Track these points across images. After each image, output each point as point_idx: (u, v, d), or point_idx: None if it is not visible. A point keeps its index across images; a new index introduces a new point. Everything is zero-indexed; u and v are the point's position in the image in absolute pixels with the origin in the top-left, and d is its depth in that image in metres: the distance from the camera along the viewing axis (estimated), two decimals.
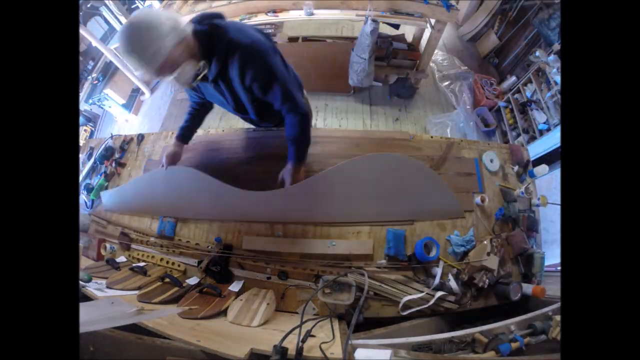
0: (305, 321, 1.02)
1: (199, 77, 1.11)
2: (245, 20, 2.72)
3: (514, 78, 3.19)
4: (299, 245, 1.39)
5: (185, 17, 1.02)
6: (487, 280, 1.31)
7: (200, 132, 1.63)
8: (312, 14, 2.62)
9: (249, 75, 1.11)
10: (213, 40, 1.06)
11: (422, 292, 1.29)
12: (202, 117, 1.51)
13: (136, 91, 3.88)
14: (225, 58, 1.09)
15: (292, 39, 3.08)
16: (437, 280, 1.28)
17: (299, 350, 0.87)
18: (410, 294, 1.28)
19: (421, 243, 1.31)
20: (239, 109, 1.35)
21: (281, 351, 0.84)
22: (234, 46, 1.07)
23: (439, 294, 1.27)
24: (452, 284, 1.28)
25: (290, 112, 1.24)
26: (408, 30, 3.36)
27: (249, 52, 1.08)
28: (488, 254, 1.35)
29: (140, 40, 0.92)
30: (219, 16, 1.12)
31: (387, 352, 0.85)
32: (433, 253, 1.31)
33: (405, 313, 1.27)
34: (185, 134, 1.48)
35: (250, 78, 1.12)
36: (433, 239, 1.34)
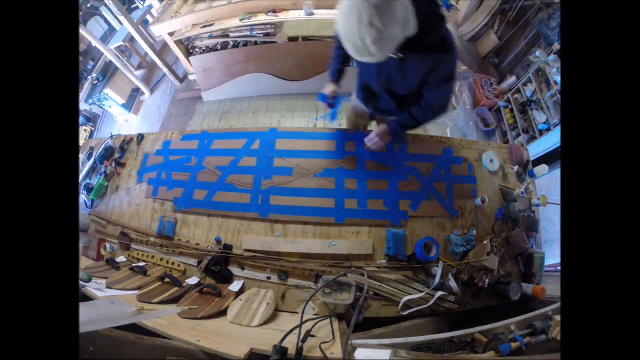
0: (305, 321, 1.02)
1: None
2: (245, 21, 2.72)
3: (514, 78, 3.19)
4: (299, 245, 1.39)
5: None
6: (487, 280, 1.31)
7: None
8: (312, 14, 2.62)
9: (439, 70, 1.11)
10: (429, 23, 1.00)
11: (422, 292, 1.29)
12: (346, 64, 1.45)
13: (136, 91, 3.88)
14: (429, 47, 1.05)
15: (292, 39, 3.08)
16: (437, 280, 1.28)
17: (299, 350, 0.87)
18: (410, 294, 1.28)
19: (421, 243, 1.32)
20: (390, 85, 1.30)
21: (281, 351, 0.84)
22: (442, 41, 1.05)
23: (439, 294, 1.27)
24: (452, 284, 1.28)
25: (434, 107, 1.26)
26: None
27: (451, 54, 1.09)
28: (488, 254, 1.35)
29: (389, 35, 0.88)
30: (438, 4, 1.06)
31: (387, 352, 0.85)
32: (433, 253, 1.32)
33: (405, 313, 1.27)
34: (337, 76, 1.46)
35: (437, 73, 1.12)
36: (433, 239, 1.34)
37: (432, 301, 1.26)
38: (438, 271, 1.30)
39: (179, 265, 1.49)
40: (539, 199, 1.49)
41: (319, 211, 1.44)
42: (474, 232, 1.41)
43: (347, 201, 1.45)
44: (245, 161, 1.59)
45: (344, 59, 1.41)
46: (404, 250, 1.34)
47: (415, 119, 1.31)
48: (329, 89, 1.44)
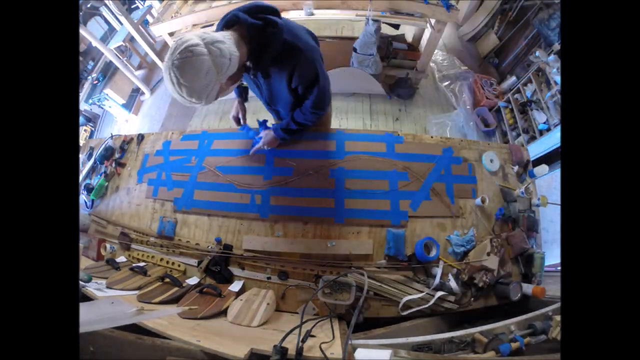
0: (305, 321, 1.02)
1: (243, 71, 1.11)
2: None
3: (514, 78, 3.19)
4: (298, 245, 1.39)
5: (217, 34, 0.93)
6: (487, 280, 1.31)
7: None
8: (312, 14, 2.62)
9: (297, 78, 1.14)
10: (267, 38, 1.02)
11: (422, 292, 1.29)
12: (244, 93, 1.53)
13: (136, 91, 3.88)
14: (275, 58, 1.07)
15: None
16: (437, 280, 1.28)
17: (299, 350, 0.87)
18: (410, 294, 1.28)
19: (421, 243, 1.32)
20: (272, 103, 1.39)
21: (281, 351, 0.84)
22: (288, 49, 1.06)
23: (439, 294, 1.27)
24: (452, 284, 1.28)
25: (314, 110, 1.29)
26: (408, 31, 3.35)
27: (302, 57, 1.09)
28: (488, 254, 1.35)
29: (192, 85, 0.90)
30: (275, 11, 1.07)
31: (387, 352, 0.85)
32: (433, 253, 1.32)
33: (405, 313, 1.27)
34: (241, 92, 1.51)
35: (297, 81, 1.16)
36: (433, 239, 1.34)
37: (432, 301, 1.26)
38: (438, 271, 1.30)
39: (179, 265, 1.49)
40: (539, 199, 1.49)
41: (319, 211, 1.44)
42: (474, 232, 1.41)
43: (347, 201, 1.45)
44: (245, 161, 1.59)
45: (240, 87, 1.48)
46: (404, 250, 1.34)
47: (298, 122, 1.36)
48: (233, 111, 1.52)
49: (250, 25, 0.99)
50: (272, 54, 1.05)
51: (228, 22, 1.03)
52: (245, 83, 1.45)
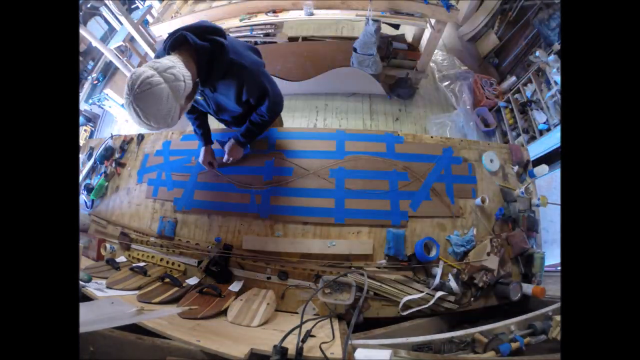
0: (305, 321, 1.02)
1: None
2: (245, 21, 2.72)
3: (514, 78, 3.19)
4: (298, 245, 1.39)
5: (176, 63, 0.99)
6: (487, 280, 1.31)
7: None
8: (312, 14, 2.62)
9: (246, 93, 1.23)
10: (214, 58, 1.09)
11: (422, 292, 1.29)
12: (206, 118, 1.56)
13: None
14: (223, 76, 1.16)
15: (292, 39, 3.08)
16: (437, 280, 1.28)
17: (299, 350, 0.87)
18: (410, 294, 1.28)
19: (421, 243, 1.32)
20: (219, 113, 1.47)
21: (281, 351, 0.84)
22: (233, 67, 1.13)
23: (439, 294, 1.27)
24: (452, 284, 1.28)
25: (266, 114, 1.36)
26: (408, 31, 3.35)
27: (247, 73, 1.18)
28: (488, 254, 1.35)
29: (157, 113, 0.95)
30: (220, 32, 1.13)
31: (387, 352, 0.85)
32: (433, 253, 1.32)
33: (405, 313, 1.27)
34: (206, 139, 1.56)
35: (247, 95, 1.24)
36: (433, 239, 1.34)
37: (432, 301, 1.26)
38: (438, 271, 1.30)
39: (179, 265, 1.49)
40: (539, 199, 1.49)
41: (319, 211, 1.44)
42: (474, 232, 1.41)
43: (347, 201, 1.45)
44: (246, 161, 1.59)
45: (198, 120, 1.51)
46: (404, 250, 1.34)
47: (256, 125, 1.42)
48: (202, 157, 1.55)
49: (200, 47, 1.05)
50: (219, 73, 1.13)
51: (176, 42, 1.06)
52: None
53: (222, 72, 1.13)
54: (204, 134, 1.54)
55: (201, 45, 1.05)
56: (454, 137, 2.42)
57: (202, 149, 1.55)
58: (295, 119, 3.23)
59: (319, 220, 1.43)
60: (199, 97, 1.33)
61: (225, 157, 1.53)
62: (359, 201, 1.45)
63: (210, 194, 1.56)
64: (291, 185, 1.50)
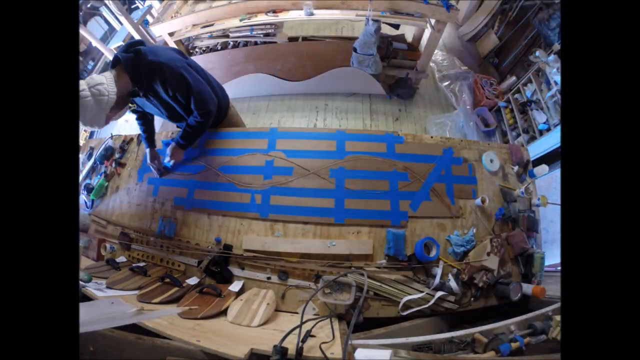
0: (305, 321, 1.02)
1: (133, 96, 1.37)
2: (245, 21, 2.73)
3: (514, 78, 3.19)
4: (298, 245, 1.39)
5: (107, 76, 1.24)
6: (487, 280, 1.31)
7: None
8: (312, 14, 2.61)
9: (170, 87, 1.36)
10: (137, 64, 1.28)
11: (422, 292, 1.29)
12: (151, 124, 1.71)
13: None
14: (148, 77, 1.32)
15: (292, 39, 3.08)
16: (437, 280, 1.28)
17: (299, 350, 0.87)
18: (410, 294, 1.28)
19: (421, 243, 1.32)
20: (173, 118, 1.57)
21: (281, 351, 0.84)
22: (153, 66, 1.30)
23: (439, 294, 1.27)
24: (452, 284, 1.28)
25: (200, 112, 1.47)
26: (408, 31, 3.35)
27: (165, 68, 1.32)
28: (488, 254, 1.35)
29: (84, 119, 1.17)
30: (140, 43, 1.35)
31: (387, 352, 0.85)
32: (433, 253, 1.32)
33: (405, 313, 1.27)
34: (150, 142, 1.69)
35: (171, 89, 1.37)
36: (433, 239, 1.34)
37: (432, 301, 1.26)
38: (438, 271, 1.30)
39: (179, 265, 1.49)
40: (539, 199, 1.49)
41: (319, 211, 1.44)
42: (474, 232, 1.41)
43: (347, 201, 1.45)
44: (245, 160, 1.59)
45: (143, 126, 1.66)
46: (404, 250, 1.34)
47: (191, 127, 1.52)
48: (149, 158, 1.66)
49: (125, 59, 1.27)
50: (145, 76, 1.31)
51: (114, 62, 1.30)
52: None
53: (147, 74, 1.30)
54: (148, 137, 1.68)
55: (125, 57, 1.27)
56: (454, 137, 2.42)
57: (147, 151, 1.67)
58: (295, 119, 3.24)
59: (319, 220, 1.43)
60: (149, 104, 1.49)
61: (167, 158, 1.62)
62: (359, 201, 1.45)
63: (210, 193, 1.56)
64: (291, 185, 1.50)
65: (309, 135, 1.63)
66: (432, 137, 1.60)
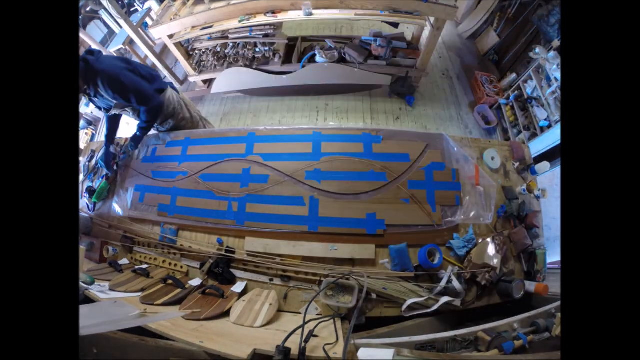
0: (308, 321, 1.02)
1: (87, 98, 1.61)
2: (245, 22, 2.73)
3: (514, 75, 3.18)
4: (300, 248, 1.38)
5: None
6: (490, 278, 1.31)
7: None
8: (310, 14, 2.61)
9: (110, 90, 1.55)
10: (84, 71, 1.49)
11: (424, 297, 1.26)
12: (117, 122, 1.89)
13: None
14: (94, 82, 1.52)
15: (291, 39, 3.08)
16: (443, 283, 1.26)
17: (302, 351, 0.87)
18: (414, 299, 1.26)
19: (424, 251, 1.30)
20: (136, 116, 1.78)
21: (284, 351, 0.84)
22: (96, 72, 1.51)
23: (444, 299, 1.24)
24: (455, 283, 1.27)
25: (143, 110, 1.69)
26: (408, 29, 3.35)
27: (105, 73, 1.52)
28: (490, 252, 1.34)
29: None
30: (90, 52, 1.55)
31: (390, 352, 0.85)
32: (437, 259, 1.30)
33: (408, 315, 1.25)
34: (109, 139, 1.86)
35: (111, 92, 1.56)
36: (436, 245, 1.32)
37: (436, 306, 1.23)
38: (445, 275, 1.27)
39: (181, 267, 1.50)
40: (539, 190, 1.49)
41: (292, 219, 1.40)
42: (473, 228, 1.40)
43: (321, 209, 1.40)
44: (224, 168, 1.58)
45: (109, 122, 1.85)
46: (410, 262, 1.31)
47: (140, 129, 1.75)
48: (103, 154, 1.80)
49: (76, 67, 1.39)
50: (89, 79, 1.52)
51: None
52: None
53: (95, 78, 1.51)
54: (109, 134, 1.86)
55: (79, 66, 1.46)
56: (454, 134, 2.41)
57: (103, 147, 1.83)
58: (295, 119, 3.23)
59: (292, 229, 1.39)
60: (105, 100, 1.65)
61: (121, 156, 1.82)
62: (334, 209, 1.40)
63: (190, 200, 1.56)
64: (267, 192, 1.47)
65: (286, 137, 1.59)
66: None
